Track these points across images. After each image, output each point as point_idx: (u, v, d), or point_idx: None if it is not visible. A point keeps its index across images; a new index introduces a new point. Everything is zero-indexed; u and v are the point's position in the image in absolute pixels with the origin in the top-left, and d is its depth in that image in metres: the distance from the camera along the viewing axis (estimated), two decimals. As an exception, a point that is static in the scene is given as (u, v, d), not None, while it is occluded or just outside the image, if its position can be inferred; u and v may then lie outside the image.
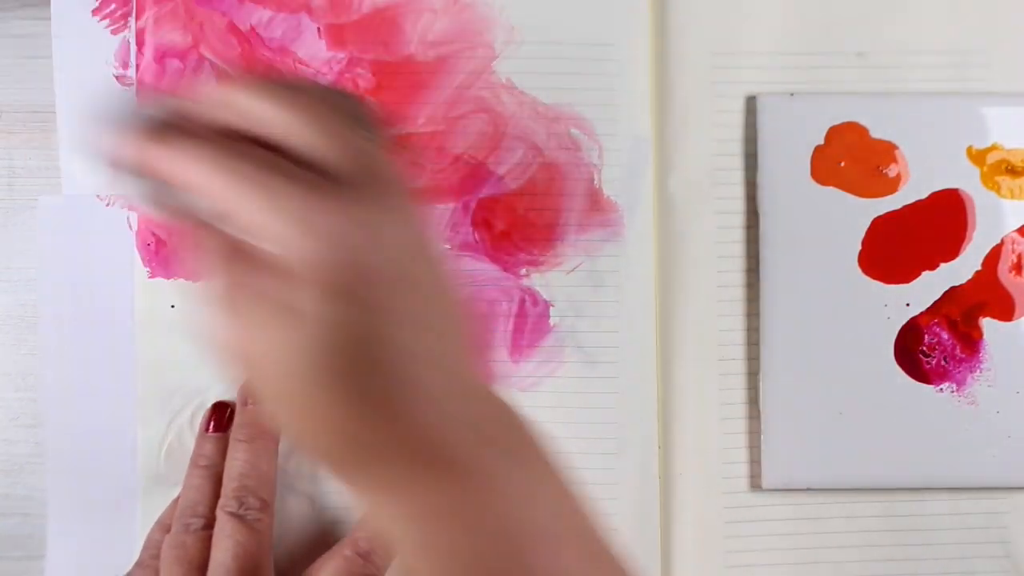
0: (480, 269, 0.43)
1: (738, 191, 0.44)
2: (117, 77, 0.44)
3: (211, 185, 0.25)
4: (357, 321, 0.25)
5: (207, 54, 0.43)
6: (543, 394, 0.43)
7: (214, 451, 0.41)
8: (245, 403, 0.42)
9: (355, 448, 0.27)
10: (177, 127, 0.26)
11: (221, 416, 0.42)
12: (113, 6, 0.44)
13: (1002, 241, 0.43)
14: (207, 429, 0.42)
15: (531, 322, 0.43)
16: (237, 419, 0.42)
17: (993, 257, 0.43)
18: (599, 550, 0.30)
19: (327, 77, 0.43)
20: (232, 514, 0.38)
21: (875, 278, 0.43)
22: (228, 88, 0.26)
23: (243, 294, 0.26)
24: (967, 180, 0.43)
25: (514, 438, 0.29)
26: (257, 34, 0.43)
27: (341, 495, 0.43)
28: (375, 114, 0.29)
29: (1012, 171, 0.43)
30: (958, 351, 0.43)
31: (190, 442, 0.43)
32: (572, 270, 0.43)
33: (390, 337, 0.26)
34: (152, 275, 0.43)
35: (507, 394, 0.30)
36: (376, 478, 0.28)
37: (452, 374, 0.28)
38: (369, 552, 0.39)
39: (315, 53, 0.43)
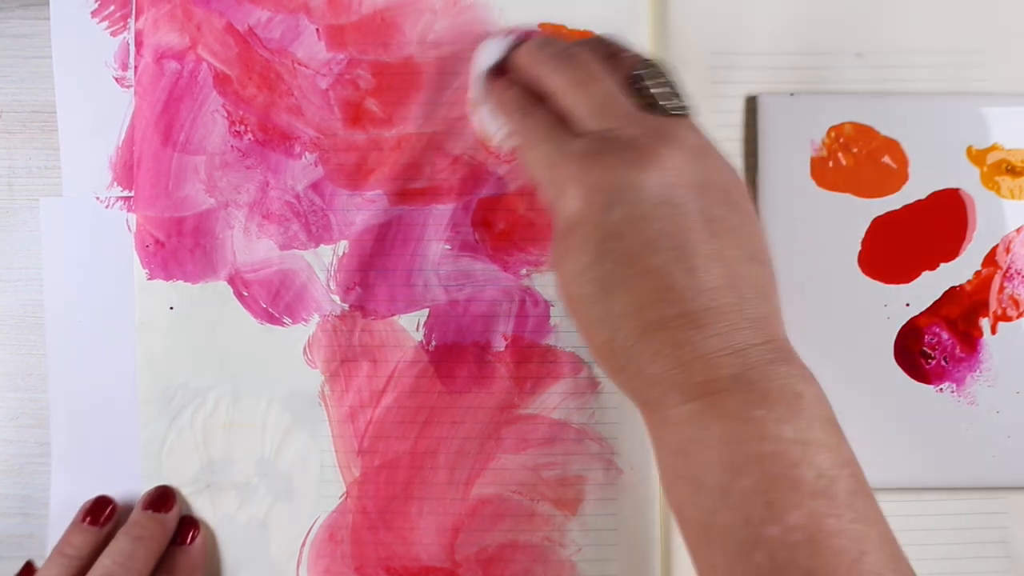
0: (480, 269, 0.43)
1: (738, 191, 0.44)
2: (117, 79, 0.44)
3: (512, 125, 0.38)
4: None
5: (205, 55, 0.43)
6: (543, 395, 0.43)
7: (84, 544, 0.40)
8: (147, 508, 0.41)
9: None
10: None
11: (100, 510, 0.41)
12: (112, 8, 0.44)
13: (1002, 241, 0.43)
14: (83, 519, 0.41)
15: (531, 322, 0.43)
16: (135, 517, 0.41)
17: (993, 257, 0.43)
18: (870, 515, 0.31)
19: (326, 80, 0.43)
20: None
21: (875, 278, 0.43)
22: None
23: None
24: (967, 180, 0.43)
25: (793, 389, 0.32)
26: (255, 35, 0.43)
27: None
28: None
29: (1012, 171, 0.43)
30: (958, 351, 0.43)
31: (191, 442, 0.43)
32: (572, 270, 0.43)
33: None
34: (151, 276, 0.43)
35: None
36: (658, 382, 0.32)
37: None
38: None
39: (314, 54, 0.43)
